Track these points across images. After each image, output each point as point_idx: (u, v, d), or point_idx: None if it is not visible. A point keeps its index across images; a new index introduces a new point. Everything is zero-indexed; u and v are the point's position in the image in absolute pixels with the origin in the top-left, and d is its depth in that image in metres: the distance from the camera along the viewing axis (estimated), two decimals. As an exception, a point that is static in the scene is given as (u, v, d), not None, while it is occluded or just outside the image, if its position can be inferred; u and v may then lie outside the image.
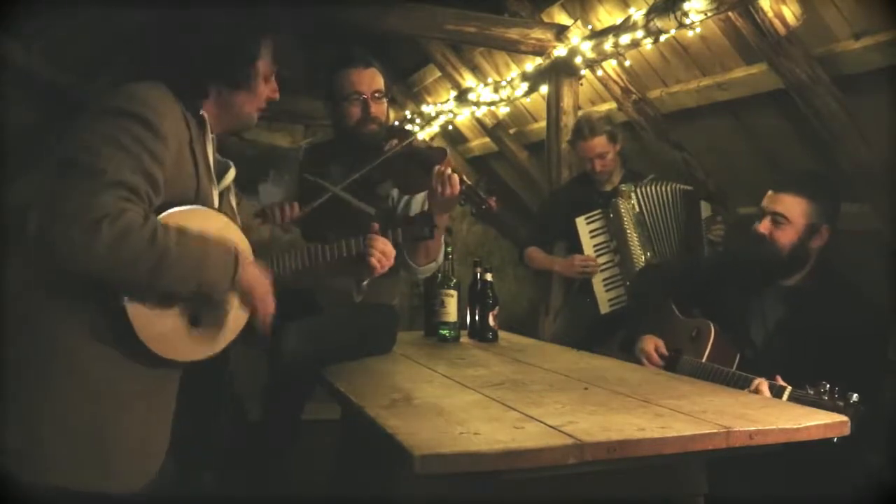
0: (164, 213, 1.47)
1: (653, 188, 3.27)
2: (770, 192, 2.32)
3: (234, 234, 1.61)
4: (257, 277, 1.61)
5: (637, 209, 3.24)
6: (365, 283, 2.02)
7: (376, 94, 2.45)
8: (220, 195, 1.69)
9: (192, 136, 1.54)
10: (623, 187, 3.29)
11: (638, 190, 3.26)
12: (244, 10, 1.61)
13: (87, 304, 1.42)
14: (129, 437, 1.47)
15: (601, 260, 3.33)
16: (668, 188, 3.27)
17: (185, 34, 1.57)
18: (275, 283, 1.67)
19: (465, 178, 2.25)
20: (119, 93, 1.47)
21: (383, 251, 1.90)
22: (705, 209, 3.24)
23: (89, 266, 1.35)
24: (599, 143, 3.36)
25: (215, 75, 1.59)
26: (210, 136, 1.63)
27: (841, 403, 1.85)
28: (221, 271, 1.50)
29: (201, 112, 1.60)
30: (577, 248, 3.38)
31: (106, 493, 1.44)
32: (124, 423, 1.46)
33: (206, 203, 1.59)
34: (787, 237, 2.24)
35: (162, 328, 1.48)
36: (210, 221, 1.56)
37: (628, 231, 3.25)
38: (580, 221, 3.36)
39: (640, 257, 3.23)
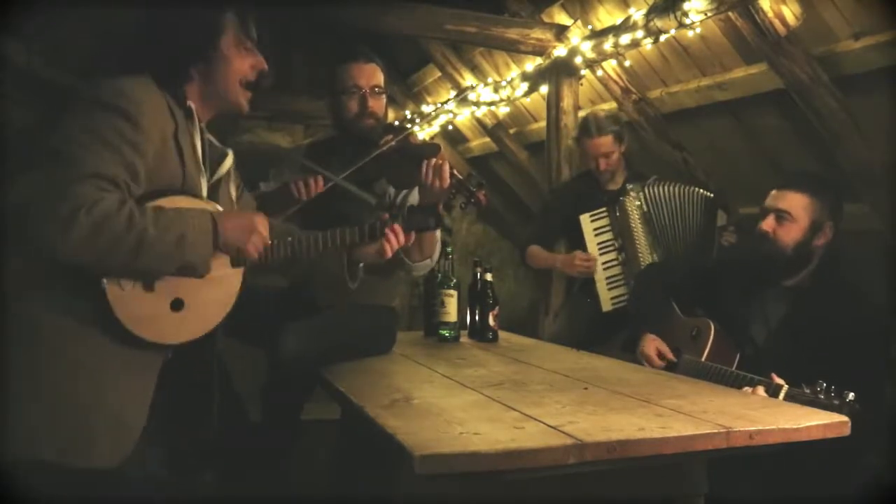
0: (145, 204, 1.50)
1: (662, 189, 3.24)
2: (774, 191, 2.32)
3: None
4: (239, 223, 1.61)
5: (645, 209, 3.23)
6: (360, 269, 2.01)
7: (375, 89, 2.45)
8: (217, 184, 1.70)
9: (177, 127, 1.58)
10: (630, 186, 3.28)
11: (646, 190, 3.25)
12: None
13: (69, 288, 1.47)
14: (104, 412, 1.50)
15: (605, 258, 3.31)
16: (686, 190, 3.24)
17: (153, 24, 1.62)
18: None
19: (455, 171, 2.26)
20: (102, 85, 1.52)
21: (397, 237, 1.93)
22: (720, 217, 3.22)
23: (70, 254, 1.40)
24: (605, 142, 3.35)
25: (184, 55, 1.63)
26: (198, 126, 1.65)
27: (837, 402, 1.85)
28: (202, 242, 1.52)
29: (188, 103, 1.63)
30: (579, 245, 3.36)
31: (85, 466, 1.47)
32: (101, 399, 1.50)
33: (194, 192, 1.61)
34: (790, 235, 2.24)
35: (142, 310, 1.52)
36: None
37: (635, 230, 3.24)
38: (584, 219, 3.33)
39: (646, 257, 3.22)
